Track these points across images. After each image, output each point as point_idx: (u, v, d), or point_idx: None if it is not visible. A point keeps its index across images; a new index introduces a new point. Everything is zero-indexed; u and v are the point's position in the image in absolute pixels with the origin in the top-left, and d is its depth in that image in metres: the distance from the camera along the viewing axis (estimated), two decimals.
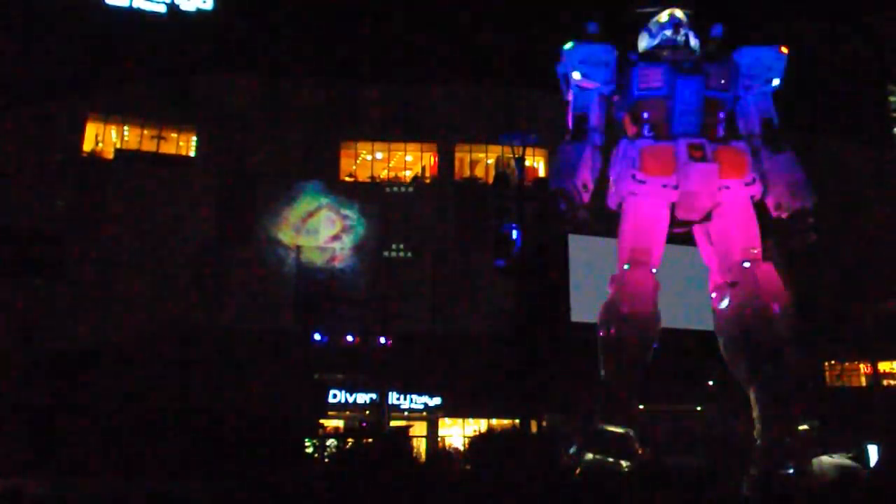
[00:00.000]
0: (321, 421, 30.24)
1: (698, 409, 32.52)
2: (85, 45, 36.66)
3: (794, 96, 15.64)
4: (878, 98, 48.00)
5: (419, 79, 40.35)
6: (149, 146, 39.00)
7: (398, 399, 33.34)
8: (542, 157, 40.48)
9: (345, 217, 36.28)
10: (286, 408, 27.04)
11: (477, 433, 30.67)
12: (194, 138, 39.88)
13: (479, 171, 42.04)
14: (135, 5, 39.79)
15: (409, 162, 42.43)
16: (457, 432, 35.96)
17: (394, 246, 31.47)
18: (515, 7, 40.84)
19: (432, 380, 33.90)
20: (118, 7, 39.43)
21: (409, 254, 31.83)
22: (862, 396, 37.45)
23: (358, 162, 42.09)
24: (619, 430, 11.75)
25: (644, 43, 13.65)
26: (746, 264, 12.48)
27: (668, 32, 13.26)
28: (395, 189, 40.27)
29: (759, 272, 12.33)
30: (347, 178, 40.76)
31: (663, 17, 13.37)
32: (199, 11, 41.04)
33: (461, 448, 30.68)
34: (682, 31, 13.31)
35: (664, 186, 12.66)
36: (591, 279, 17.47)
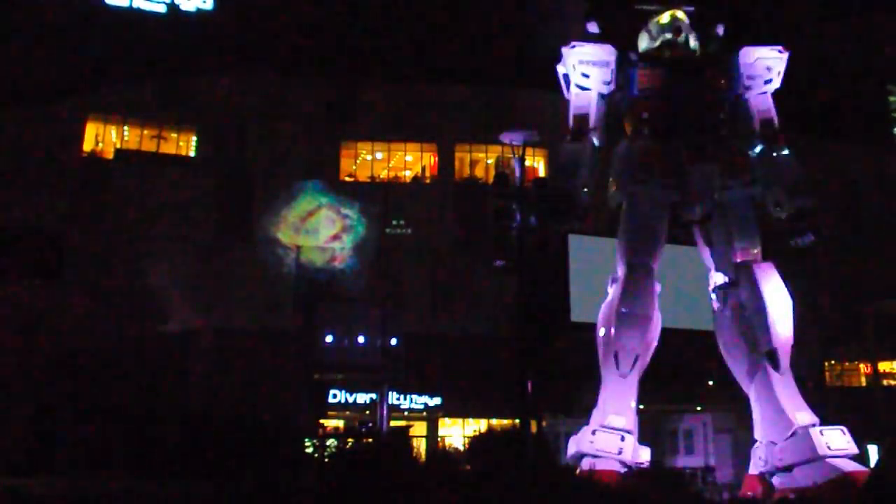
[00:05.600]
0: (321, 421, 30.17)
1: (698, 409, 32.50)
2: (85, 45, 36.63)
3: (794, 96, 15.63)
4: (878, 98, 47.99)
5: (419, 79, 40.31)
6: (149, 146, 38.97)
7: (398, 399, 33.27)
8: (542, 157, 40.44)
9: (345, 217, 36.17)
10: (286, 408, 26.99)
11: (477, 433, 30.63)
12: (194, 138, 39.85)
13: (479, 171, 42.00)
14: (135, 5, 39.80)
15: (409, 162, 42.40)
16: (457, 432, 35.92)
17: (394, 222, 31.52)
18: (516, 7, 40.82)
19: (432, 380, 33.85)
20: (118, 7, 39.43)
21: (409, 230, 31.83)
22: (862, 396, 37.42)
23: (358, 162, 42.05)
24: (619, 429, 11.74)
25: (644, 43, 13.67)
26: (746, 264, 12.48)
27: (669, 34, 13.27)
28: (396, 189, 40.23)
29: (759, 272, 12.33)
30: (347, 178, 40.70)
31: (664, 18, 13.39)
32: (199, 11, 41.05)
33: (461, 448, 30.63)
34: (683, 32, 13.33)
35: (664, 186, 12.67)
36: (591, 279, 17.48)
